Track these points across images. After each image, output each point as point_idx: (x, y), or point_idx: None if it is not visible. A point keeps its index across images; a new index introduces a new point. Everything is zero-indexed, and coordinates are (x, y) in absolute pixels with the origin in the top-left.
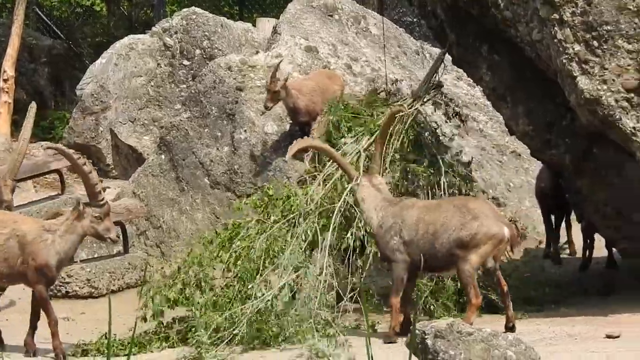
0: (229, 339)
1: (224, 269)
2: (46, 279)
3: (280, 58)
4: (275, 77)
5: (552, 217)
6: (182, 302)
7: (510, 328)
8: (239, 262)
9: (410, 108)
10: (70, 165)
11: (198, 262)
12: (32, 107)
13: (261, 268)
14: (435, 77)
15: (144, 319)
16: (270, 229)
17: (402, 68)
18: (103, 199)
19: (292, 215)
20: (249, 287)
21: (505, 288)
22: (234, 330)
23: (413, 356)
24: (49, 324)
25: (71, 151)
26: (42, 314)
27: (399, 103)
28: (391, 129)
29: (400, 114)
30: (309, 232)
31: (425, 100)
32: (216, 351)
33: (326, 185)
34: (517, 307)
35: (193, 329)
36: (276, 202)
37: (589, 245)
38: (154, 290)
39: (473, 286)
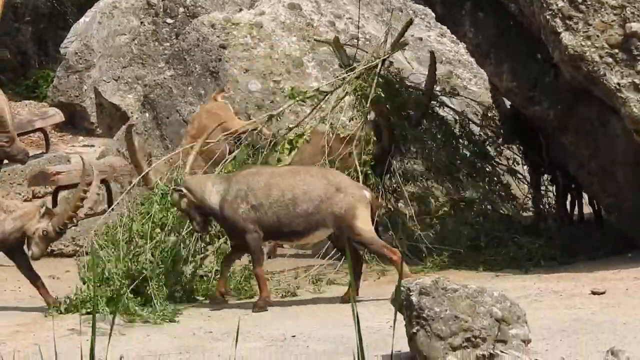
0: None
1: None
2: None
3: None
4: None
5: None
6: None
7: (344, 300)
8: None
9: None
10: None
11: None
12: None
13: None
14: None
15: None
16: None
17: (385, 25)
18: (70, 225)
19: None
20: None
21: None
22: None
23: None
24: None
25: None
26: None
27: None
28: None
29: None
30: None
31: (387, 59)
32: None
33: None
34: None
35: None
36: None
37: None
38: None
39: (384, 247)
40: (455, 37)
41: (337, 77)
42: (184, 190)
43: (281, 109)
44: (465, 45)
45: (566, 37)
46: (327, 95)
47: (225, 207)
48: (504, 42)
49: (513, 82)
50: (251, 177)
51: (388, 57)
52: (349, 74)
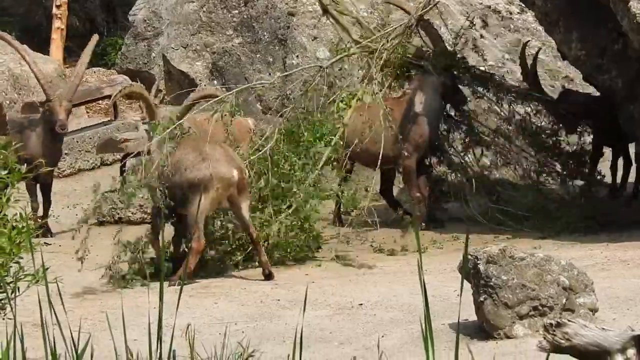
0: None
1: None
2: None
3: None
4: None
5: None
6: None
7: (267, 275)
8: None
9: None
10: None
11: None
12: (94, 38)
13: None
14: None
15: None
16: None
17: None
18: None
19: None
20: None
21: (254, 235)
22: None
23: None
24: None
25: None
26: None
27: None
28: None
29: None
30: None
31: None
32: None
33: None
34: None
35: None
36: None
37: None
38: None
39: (198, 229)
40: (523, 5)
41: (379, 35)
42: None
43: (329, 62)
44: (533, 13)
45: (635, 6)
46: (372, 52)
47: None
48: (573, 10)
49: (582, 50)
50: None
51: (423, 14)
52: (387, 30)
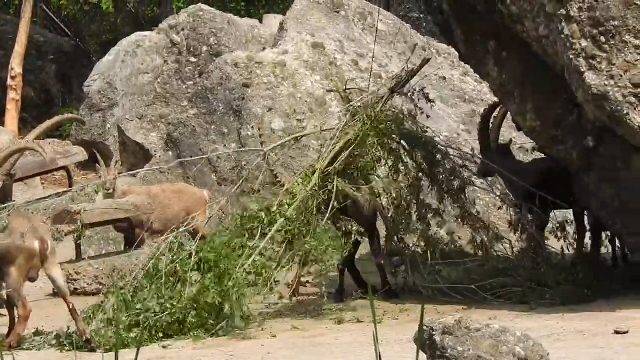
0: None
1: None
2: None
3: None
4: None
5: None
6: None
7: (87, 341)
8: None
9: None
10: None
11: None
12: (54, 119)
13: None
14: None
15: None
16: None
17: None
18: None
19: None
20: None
21: (71, 305)
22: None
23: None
24: None
25: None
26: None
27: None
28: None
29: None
30: None
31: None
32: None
33: None
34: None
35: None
36: None
37: (596, 241)
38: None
39: (20, 297)
40: (478, 76)
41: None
42: None
43: (274, 145)
44: (488, 85)
45: (589, 77)
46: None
47: None
48: (528, 82)
49: (536, 121)
50: None
51: (387, 98)
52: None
